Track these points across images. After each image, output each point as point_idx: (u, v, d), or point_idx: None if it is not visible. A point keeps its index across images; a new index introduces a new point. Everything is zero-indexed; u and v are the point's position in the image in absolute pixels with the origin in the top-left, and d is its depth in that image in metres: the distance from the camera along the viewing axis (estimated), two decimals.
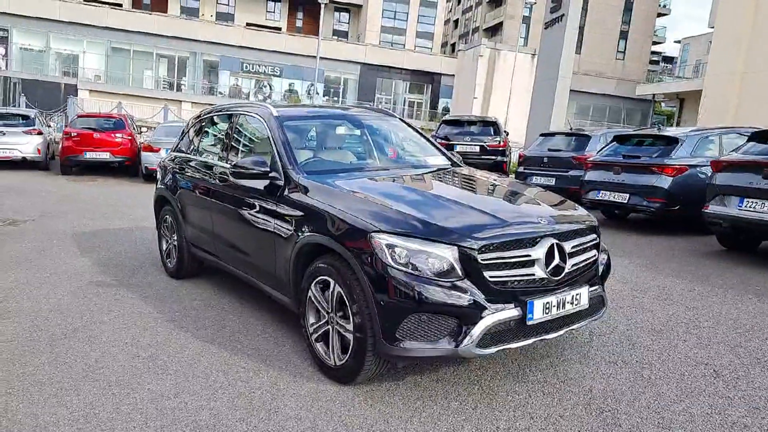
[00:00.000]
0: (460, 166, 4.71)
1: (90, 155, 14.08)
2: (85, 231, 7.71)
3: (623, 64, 49.50)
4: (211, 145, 5.26)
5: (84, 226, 8.08)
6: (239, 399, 3.17)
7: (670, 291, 5.42)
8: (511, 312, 3.03)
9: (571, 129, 11.33)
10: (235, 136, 4.77)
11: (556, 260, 3.20)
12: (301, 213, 3.62)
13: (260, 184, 4.05)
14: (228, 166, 4.55)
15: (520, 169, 11.31)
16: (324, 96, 36.56)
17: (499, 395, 3.27)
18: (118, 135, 14.36)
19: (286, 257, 3.71)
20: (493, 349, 3.04)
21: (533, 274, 3.14)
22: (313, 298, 3.52)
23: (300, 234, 3.57)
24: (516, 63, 35.01)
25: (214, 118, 5.37)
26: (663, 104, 48.32)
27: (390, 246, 3.03)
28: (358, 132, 4.78)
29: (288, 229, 3.69)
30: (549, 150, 10.93)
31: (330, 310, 3.39)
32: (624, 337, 4.20)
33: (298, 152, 4.16)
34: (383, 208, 3.28)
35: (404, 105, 41.68)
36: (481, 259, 3.01)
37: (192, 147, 5.53)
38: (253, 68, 39.58)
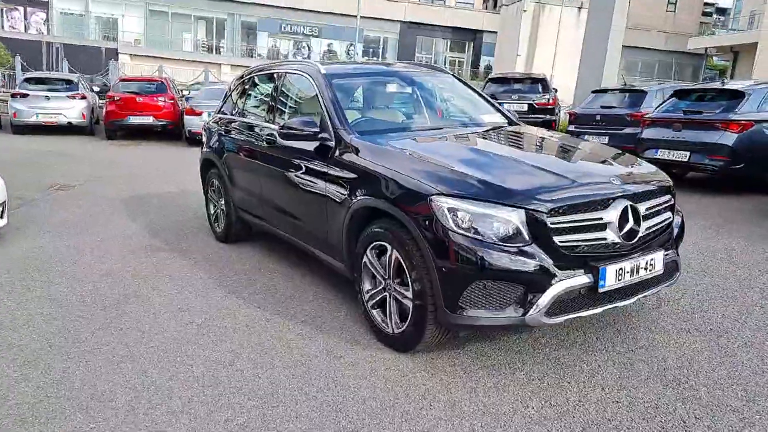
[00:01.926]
0: (518, 124, 4.46)
1: (134, 119, 14.18)
2: (133, 195, 7.75)
3: (674, 17, 47.08)
4: (256, 106, 5.12)
5: (131, 190, 8.13)
6: (296, 367, 3.09)
7: (739, 254, 5.11)
8: (581, 279, 2.84)
9: (625, 85, 10.79)
10: (281, 96, 4.61)
11: (630, 223, 2.97)
12: (354, 175, 3.46)
13: (310, 146, 3.89)
14: (275, 127, 4.40)
15: (571, 127, 10.87)
16: (363, 56, 36.00)
17: (567, 365, 3.10)
18: (160, 98, 14.39)
19: (338, 221, 3.57)
20: (561, 318, 2.86)
21: (605, 239, 2.93)
22: (368, 264, 3.38)
23: (353, 197, 3.42)
24: (562, 17, 33.63)
25: (258, 78, 5.21)
26: (715, 58, 46.02)
27: (452, 210, 2.84)
28: (408, 89, 4.55)
29: (340, 193, 3.54)
30: (602, 107, 10.45)
31: (387, 277, 3.25)
32: (695, 302, 3.95)
33: (347, 112, 3.98)
34: (442, 169, 3.09)
35: (445, 64, 40.70)
36: (550, 223, 2.80)
37: (236, 109, 5.40)
38: (291, 29, 39.11)
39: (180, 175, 9.61)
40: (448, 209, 2.85)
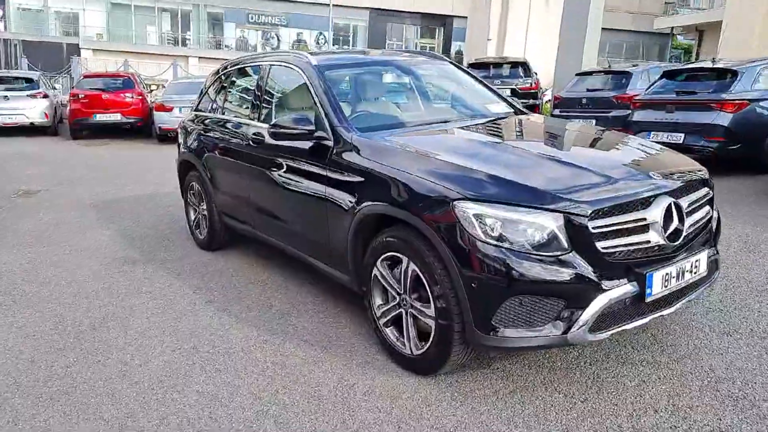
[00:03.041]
0: (525, 113, 4.12)
1: (100, 117, 13.50)
2: (104, 199, 7.24)
3: None
4: (238, 102, 4.69)
5: (101, 193, 7.61)
6: (305, 401, 2.71)
7: (754, 241, 4.86)
8: (626, 288, 2.51)
9: (609, 67, 10.58)
10: (266, 91, 4.18)
11: (675, 222, 2.66)
12: (359, 178, 3.07)
13: (304, 145, 3.50)
14: (262, 125, 4.00)
15: (556, 111, 10.62)
16: (334, 45, 35.33)
17: (607, 382, 2.78)
18: (127, 95, 13.74)
19: (342, 229, 3.19)
20: (606, 333, 2.54)
21: (649, 241, 2.60)
22: (379, 277, 3.02)
23: (359, 203, 3.04)
24: (532, 1, 33.41)
25: (240, 71, 4.77)
26: (680, 37, 46.36)
27: (478, 216, 2.49)
28: (406, 79, 4.17)
29: (343, 198, 3.16)
30: (587, 90, 10.20)
31: (402, 291, 2.89)
32: (726, 299, 3.67)
33: (343, 106, 3.59)
34: (462, 168, 2.73)
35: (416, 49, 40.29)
36: (592, 227, 2.47)
37: (215, 105, 4.96)
38: (259, 19, 38.15)
39: (153, 174, 9.09)
40: (475, 216, 2.49)
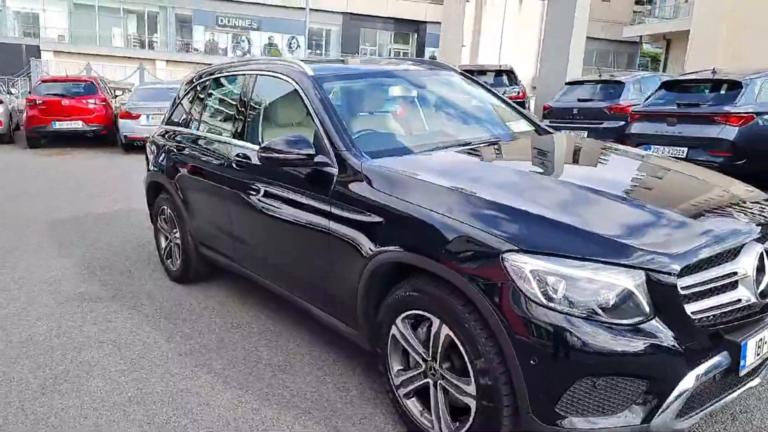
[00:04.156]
0: (550, 132, 3.62)
1: (59, 125, 12.65)
2: (62, 218, 6.53)
3: (609, 5, 47.76)
4: (219, 117, 4.10)
5: (60, 210, 6.89)
6: None
7: None
8: (717, 361, 2.02)
9: (600, 76, 10.27)
10: (253, 104, 3.59)
11: (767, 275, 2.18)
12: (372, 217, 2.52)
13: (300, 172, 2.94)
14: (247, 145, 3.43)
15: (546, 122, 10.20)
16: (307, 49, 34.59)
17: None
18: (90, 101, 12.90)
19: (350, 275, 2.64)
20: (695, 418, 2.05)
21: (739, 300, 2.11)
22: (399, 338, 2.47)
23: (374, 246, 2.49)
24: (506, 7, 33.31)
25: (219, 81, 4.18)
26: (648, 46, 46.98)
27: (537, 273, 1.96)
28: (415, 92, 3.62)
29: (353, 238, 2.60)
30: (578, 100, 9.83)
31: (430, 358, 2.35)
32: None
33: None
34: (509, 210, 2.19)
35: (390, 56, 39.84)
36: (681, 287, 1.96)
37: (190, 119, 4.35)
38: (229, 22, 37.12)
39: (118, 188, 8.37)
40: (532, 272, 1.97)
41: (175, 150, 4.27)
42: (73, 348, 3.43)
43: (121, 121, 12.30)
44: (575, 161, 3.09)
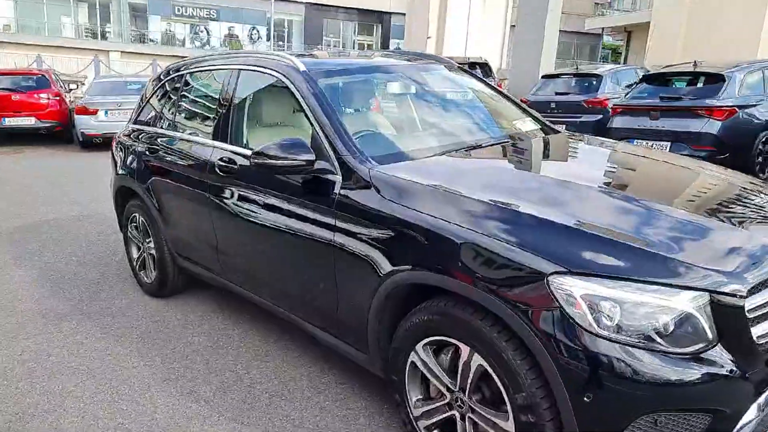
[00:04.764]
0: (557, 131, 3.41)
1: (9, 122, 11.89)
2: (18, 225, 6.05)
3: None
4: (195, 116, 3.75)
5: (15, 217, 6.39)
6: None
7: None
8: None
9: (577, 69, 10.16)
10: (236, 103, 3.27)
11: None
12: (385, 231, 2.25)
13: (296, 179, 2.65)
14: (231, 148, 3.13)
15: None
16: (267, 40, 33.84)
17: None
18: (42, 95, 12.17)
19: (361, 297, 2.37)
20: None
21: None
22: (419, 365, 2.22)
23: (389, 264, 2.22)
24: None
25: (195, 76, 3.83)
26: (609, 38, 47.68)
27: (589, 297, 1.74)
28: (415, 89, 3.36)
29: (362, 253, 2.34)
30: (556, 94, 9.71)
31: (458, 388, 2.10)
32: None
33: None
34: (549, 225, 1.95)
35: (354, 48, 39.35)
36: (748, 308, 1.77)
37: (162, 118, 4.00)
38: (186, 12, 36.01)
39: (77, 189, 7.85)
40: (584, 297, 1.74)
41: (147, 152, 3.90)
42: (41, 374, 3.08)
43: (77, 117, 11.64)
44: (604, 166, 2.87)
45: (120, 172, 4.26)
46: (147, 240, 4.05)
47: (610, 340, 1.71)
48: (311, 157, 2.53)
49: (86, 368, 3.15)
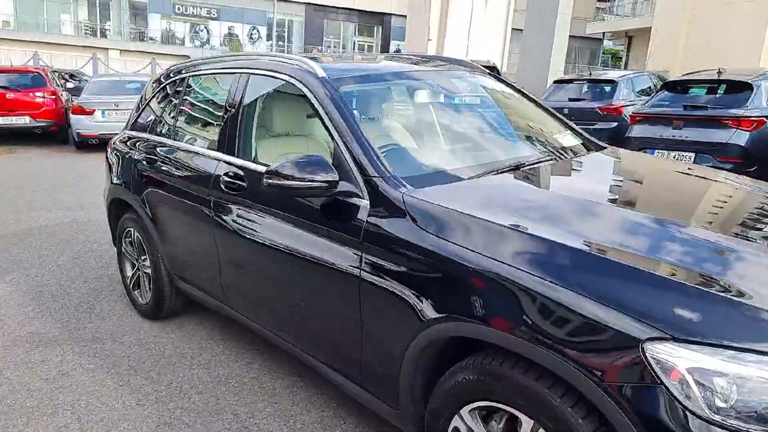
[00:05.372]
0: (603, 147, 3.06)
1: (3, 120, 11.52)
2: (5, 232, 5.68)
3: (573, 2, 48.05)
4: (201, 124, 3.39)
5: (2, 222, 6.02)
6: None
7: None
8: None
9: (590, 74, 9.82)
10: (245, 111, 2.90)
11: None
12: (426, 270, 1.89)
13: (314, 202, 2.29)
14: (238, 161, 2.76)
15: None
16: (268, 40, 33.47)
17: None
18: (38, 94, 11.77)
19: (390, 342, 2.02)
20: None
21: None
22: (462, 431, 1.86)
23: (430, 311, 1.86)
24: (473, 1, 32.86)
25: (198, 80, 3.47)
26: (610, 43, 47.47)
27: (698, 372, 1.38)
28: (448, 100, 3.00)
29: (397, 296, 1.97)
30: (569, 100, 9.36)
31: None
32: None
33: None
34: (645, 276, 1.57)
35: (354, 49, 38.97)
36: None
37: (161, 124, 3.63)
38: (187, 10, 35.63)
39: (70, 192, 7.47)
40: (691, 371, 1.38)
41: (144, 162, 3.54)
42: (21, 417, 2.71)
43: (73, 117, 11.24)
44: (683, 194, 2.49)
45: (114, 181, 3.90)
46: (142, 257, 3.69)
47: (724, 427, 1.35)
48: (333, 177, 2.17)
49: (71, 408, 2.78)
